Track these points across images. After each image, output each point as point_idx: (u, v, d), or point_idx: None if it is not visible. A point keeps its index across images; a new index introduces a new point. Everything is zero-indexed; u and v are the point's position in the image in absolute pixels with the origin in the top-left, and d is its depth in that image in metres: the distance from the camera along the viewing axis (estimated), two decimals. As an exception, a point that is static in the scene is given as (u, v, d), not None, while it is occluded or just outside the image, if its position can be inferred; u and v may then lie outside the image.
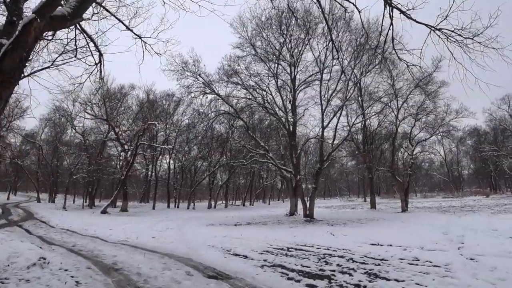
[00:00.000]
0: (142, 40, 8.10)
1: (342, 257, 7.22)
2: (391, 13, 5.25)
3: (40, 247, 8.39)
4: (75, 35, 7.59)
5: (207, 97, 19.64)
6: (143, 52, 8.27)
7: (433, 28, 5.39)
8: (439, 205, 25.56)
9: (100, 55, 7.70)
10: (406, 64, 6.33)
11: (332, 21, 16.32)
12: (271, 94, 20.68)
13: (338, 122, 19.54)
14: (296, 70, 20.27)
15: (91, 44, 7.58)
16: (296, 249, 8.36)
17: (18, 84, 4.58)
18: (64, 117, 34.88)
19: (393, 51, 6.26)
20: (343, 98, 19.20)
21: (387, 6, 5.21)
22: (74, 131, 35.27)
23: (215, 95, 19.22)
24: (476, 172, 54.74)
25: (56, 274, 5.72)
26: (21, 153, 41.42)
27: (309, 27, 18.52)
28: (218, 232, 12.27)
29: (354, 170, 52.18)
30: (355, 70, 18.55)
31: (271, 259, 7.12)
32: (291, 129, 20.15)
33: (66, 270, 6.07)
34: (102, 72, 7.96)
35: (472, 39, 5.34)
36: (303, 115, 21.44)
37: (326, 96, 19.38)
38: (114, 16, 7.51)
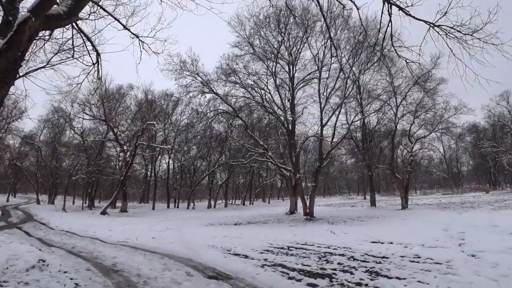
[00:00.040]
0: (139, 40, 8.02)
1: (342, 255, 7.20)
2: (389, 10, 5.21)
3: (40, 249, 8.34)
4: (72, 35, 7.55)
5: (205, 97, 19.62)
6: (141, 51, 8.19)
7: (432, 25, 5.36)
8: (439, 201, 25.62)
9: (98, 55, 7.64)
10: (405, 61, 6.29)
11: (330, 19, 16.33)
12: (269, 93, 20.68)
13: (337, 120, 19.62)
14: (294, 69, 20.24)
15: (88, 44, 7.53)
16: (296, 248, 8.34)
17: (14, 85, 4.53)
18: (63, 118, 34.78)
19: (392, 48, 6.24)
20: (342, 96, 19.18)
21: (385, 3, 5.18)
22: (72, 132, 35.17)
23: (214, 94, 19.17)
24: (475, 169, 54.88)
25: (55, 276, 5.68)
26: (20, 155, 41.20)
27: (307, 25, 18.48)
28: (218, 232, 12.24)
29: (354, 168, 52.22)
30: (353, 68, 18.58)
31: (272, 259, 7.09)
32: (290, 127, 20.13)
33: (65, 272, 6.04)
34: (100, 72, 7.90)
35: (471, 35, 5.32)
36: (302, 113, 21.49)
37: (324, 94, 19.36)
38: (111, 15, 7.44)
